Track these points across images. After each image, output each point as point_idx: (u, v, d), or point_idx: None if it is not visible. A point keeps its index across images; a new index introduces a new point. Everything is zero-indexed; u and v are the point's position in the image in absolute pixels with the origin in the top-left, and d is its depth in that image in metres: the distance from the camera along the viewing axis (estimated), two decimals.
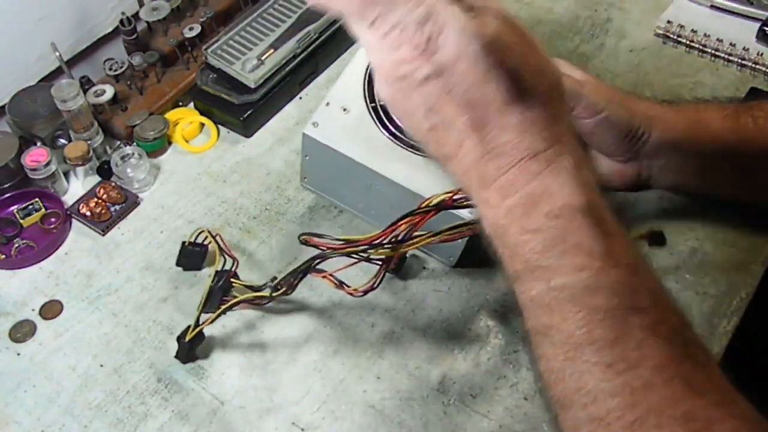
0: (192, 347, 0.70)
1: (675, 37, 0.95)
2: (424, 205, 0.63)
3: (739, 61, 0.91)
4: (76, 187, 0.87)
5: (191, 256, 0.77)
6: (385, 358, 0.71)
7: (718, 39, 0.93)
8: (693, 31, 0.94)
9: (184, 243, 0.77)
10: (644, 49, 0.96)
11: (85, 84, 0.91)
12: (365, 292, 0.68)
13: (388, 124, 0.71)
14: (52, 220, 0.83)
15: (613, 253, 0.46)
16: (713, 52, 0.93)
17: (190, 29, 0.94)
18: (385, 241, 0.65)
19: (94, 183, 0.86)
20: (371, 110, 0.71)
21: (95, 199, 0.84)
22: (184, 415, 0.68)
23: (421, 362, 0.70)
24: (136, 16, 0.95)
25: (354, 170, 0.71)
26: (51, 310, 0.77)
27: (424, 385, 0.69)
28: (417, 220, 0.63)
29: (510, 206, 0.47)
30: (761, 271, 0.74)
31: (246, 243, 0.80)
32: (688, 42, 0.94)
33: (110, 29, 0.98)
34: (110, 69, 0.91)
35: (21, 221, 0.83)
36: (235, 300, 0.69)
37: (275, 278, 0.70)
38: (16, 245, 0.82)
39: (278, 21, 0.92)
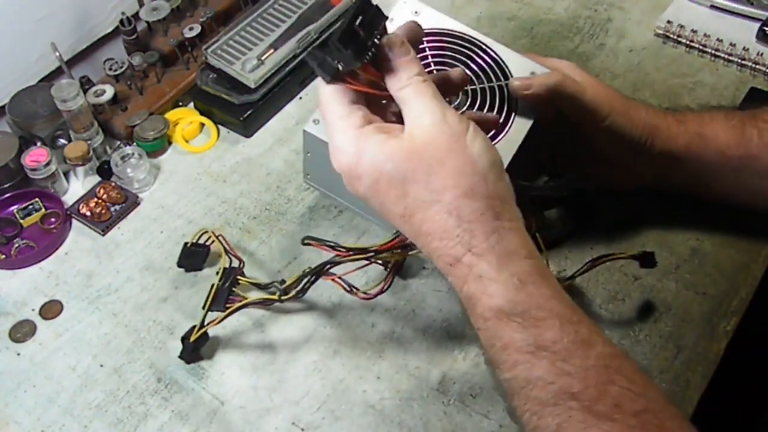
0: (197, 347, 0.70)
1: (675, 37, 0.95)
2: None
3: (739, 61, 0.91)
4: (76, 187, 0.87)
5: (193, 257, 0.77)
6: (385, 358, 0.71)
7: (718, 39, 0.93)
8: (693, 31, 0.94)
9: (186, 244, 0.77)
10: (644, 49, 0.96)
11: (85, 84, 0.91)
12: (375, 296, 0.69)
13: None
14: (52, 220, 0.83)
15: (542, 343, 0.49)
16: (713, 52, 0.93)
17: (190, 29, 0.94)
18: (395, 250, 0.66)
19: (94, 183, 0.86)
20: None
21: (95, 199, 0.84)
22: (184, 415, 0.68)
23: (421, 362, 0.70)
24: (136, 16, 0.95)
25: None
26: (51, 310, 0.77)
27: (424, 385, 0.69)
28: None
29: (463, 299, 0.53)
30: (761, 271, 0.74)
31: (246, 243, 0.80)
32: (688, 42, 0.94)
33: (110, 29, 0.98)
34: (110, 69, 0.91)
35: (21, 221, 0.83)
36: (245, 302, 0.69)
37: (283, 281, 0.70)
38: (16, 245, 0.82)
39: (278, 21, 0.92)
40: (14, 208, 0.84)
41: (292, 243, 0.79)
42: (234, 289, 0.70)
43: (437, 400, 0.67)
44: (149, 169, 0.86)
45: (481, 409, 0.67)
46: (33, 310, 0.77)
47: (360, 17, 0.53)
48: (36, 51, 0.91)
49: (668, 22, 0.95)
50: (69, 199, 0.86)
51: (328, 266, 0.67)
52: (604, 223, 0.77)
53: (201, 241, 0.76)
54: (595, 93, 0.69)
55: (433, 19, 0.74)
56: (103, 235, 0.83)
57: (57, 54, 0.88)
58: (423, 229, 0.53)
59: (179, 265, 0.77)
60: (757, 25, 0.93)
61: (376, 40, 0.55)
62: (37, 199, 0.84)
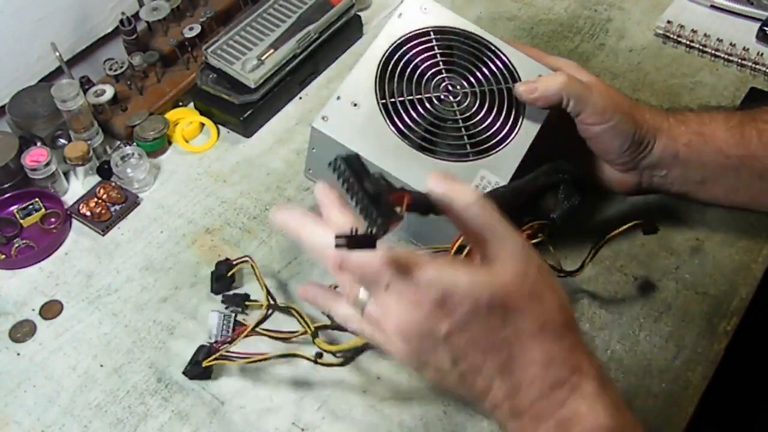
0: (207, 370, 0.70)
1: (675, 37, 0.95)
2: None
3: (739, 61, 0.91)
4: (76, 187, 0.87)
5: (223, 280, 0.76)
6: (385, 358, 0.71)
7: (718, 39, 0.93)
8: (693, 31, 0.94)
9: (221, 272, 0.76)
10: (644, 49, 0.96)
11: (85, 84, 0.91)
12: None
13: (397, 121, 0.70)
14: (52, 220, 0.83)
15: None
16: (713, 52, 0.93)
17: (190, 29, 0.94)
18: None
19: (94, 183, 0.86)
20: (381, 107, 0.71)
21: (95, 199, 0.84)
22: (184, 415, 0.68)
23: None
24: (136, 16, 0.95)
25: None
26: (51, 310, 0.77)
27: (424, 385, 0.68)
28: None
29: (553, 425, 0.50)
30: (761, 271, 0.74)
31: (246, 243, 0.80)
32: (688, 42, 0.94)
33: (110, 29, 0.98)
34: (110, 69, 0.91)
35: (21, 221, 0.83)
36: (272, 355, 0.67)
37: (320, 353, 0.67)
38: (16, 245, 0.82)
39: (278, 21, 0.92)
40: (14, 208, 0.84)
41: (292, 243, 0.79)
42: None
43: (437, 400, 0.67)
44: (149, 169, 0.86)
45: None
46: (33, 310, 0.77)
47: (358, 177, 0.50)
48: (36, 51, 0.91)
49: (668, 22, 0.95)
50: (69, 199, 0.86)
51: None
52: (603, 224, 0.77)
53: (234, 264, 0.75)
54: (601, 94, 0.69)
55: (441, 17, 0.74)
56: (103, 235, 0.83)
57: (57, 54, 0.88)
58: (525, 357, 0.50)
59: (214, 291, 0.76)
60: (757, 25, 0.93)
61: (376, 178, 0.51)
62: (37, 199, 0.84)
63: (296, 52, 0.91)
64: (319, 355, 0.67)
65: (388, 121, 0.70)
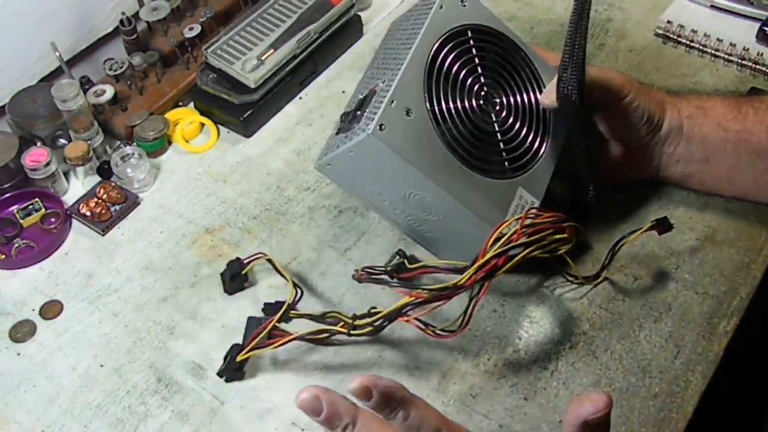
0: (240, 366, 0.69)
1: (675, 37, 0.95)
2: (491, 244, 0.61)
3: (739, 61, 0.91)
4: (76, 187, 0.88)
5: (237, 280, 0.75)
6: (385, 358, 0.71)
7: (718, 39, 0.93)
8: (693, 31, 0.94)
9: (233, 273, 0.75)
10: (644, 49, 0.96)
11: (85, 84, 0.91)
12: (456, 334, 0.62)
13: (445, 132, 0.65)
14: (52, 220, 0.84)
15: None
16: (713, 52, 0.93)
17: (190, 29, 0.94)
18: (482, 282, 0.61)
19: (94, 183, 0.86)
20: (430, 114, 0.65)
21: (95, 199, 0.84)
22: (184, 415, 0.68)
23: (421, 362, 0.70)
24: (136, 16, 0.95)
25: (405, 177, 0.64)
26: (51, 310, 0.77)
27: (424, 385, 0.68)
28: (499, 261, 0.61)
29: None
30: (761, 271, 0.74)
31: (246, 243, 0.80)
32: (688, 42, 0.94)
33: (110, 29, 0.98)
34: (110, 69, 0.91)
35: (21, 221, 0.83)
36: (306, 333, 0.66)
37: (355, 315, 0.65)
38: (16, 245, 0.82)
39: (278, 21, 0.92)
40: (14, 208, 0.84)
41: (292, 243, 0.80)
42: (283, 321, 0.67)
43: (437, 400, 0.67)
44: (149, 169, 0.86)
45: (481, 409, 0.67)
46: (33, 310, 0.77)
47: None
48: (36, 51, 0.91)
49: (668, 22, 0.95)
50: (69, 199, 0.86)
51: (409, 308, 0.62)
52: (603, 225, 0.77)
53: (246, 262, 0.75)
54: (613, 72, 0.72)
55: (477, 13, 0.71)
56: (103, 235, 0.83)
57: (57, 54, 0.88)
58: None
59: (227, 291, 0.76)
60: (757, 25, 0.93)
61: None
62: (37, 199, 0.84)
63: (296, 52, 0.91)
64: (353, 327, 0.65)
65: (437, 131, 0.65)
